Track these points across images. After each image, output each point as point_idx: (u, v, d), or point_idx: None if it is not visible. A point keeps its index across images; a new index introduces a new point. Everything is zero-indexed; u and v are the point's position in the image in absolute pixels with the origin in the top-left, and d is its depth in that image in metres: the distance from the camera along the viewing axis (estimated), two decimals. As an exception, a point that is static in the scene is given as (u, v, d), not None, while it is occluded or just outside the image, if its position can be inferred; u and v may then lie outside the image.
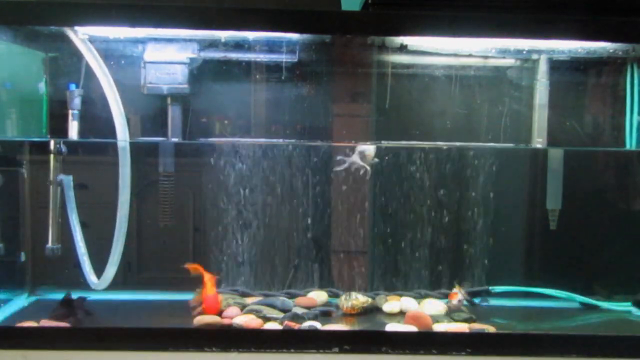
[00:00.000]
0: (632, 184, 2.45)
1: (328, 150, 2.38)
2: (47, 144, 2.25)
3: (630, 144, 2.28)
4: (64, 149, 2.24)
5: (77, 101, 2.16)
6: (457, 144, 2.35)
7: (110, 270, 2.14)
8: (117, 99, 2.04)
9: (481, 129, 2.35)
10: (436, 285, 2.43)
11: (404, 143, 2.37)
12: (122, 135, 2.08)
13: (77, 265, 2.23)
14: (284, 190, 2.40)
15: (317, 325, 2.03)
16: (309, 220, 2.41)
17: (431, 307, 2.23)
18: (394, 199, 2.42)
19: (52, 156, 2.23)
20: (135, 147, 2.21)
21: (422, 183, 2.41)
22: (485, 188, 2.41)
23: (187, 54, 2.13)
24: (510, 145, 2.33)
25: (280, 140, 2.36)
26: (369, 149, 2.21)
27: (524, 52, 2.24)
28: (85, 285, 2.23)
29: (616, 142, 2.34)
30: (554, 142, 2.28)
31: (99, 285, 2.17)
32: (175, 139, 2.22)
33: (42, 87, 2.24)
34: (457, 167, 2.41)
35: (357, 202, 2.41)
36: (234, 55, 2.21)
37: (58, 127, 2.22)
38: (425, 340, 1.90)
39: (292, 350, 1.87)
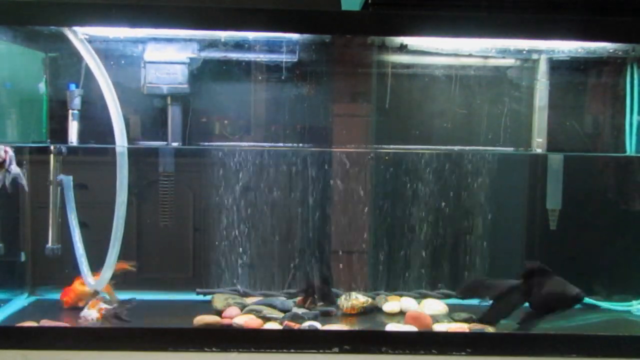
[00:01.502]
0: (632, 184, 2.45)
1: (328, 152, 2.38)
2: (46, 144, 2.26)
3: (630, 148, 2.28)
4: (63, 149, 2.23)
5: (77, 101, 2.16)
6: (456, 148, 2.35)
7: (107, 272, 2.13)
8: (116, 103, 2.03)
9: (481, 129, 2.35)
10: (436, 285, 2.43)
11: (402, 148, 2.37)
12: (121, 140, 2.07)
13: (76, 266, 2.23)
14: (284, 191, 2.40)
15: (317, 325, 2.03)
16: (309, 221, 2.42)
17: (431, 307, 2.23)
18: (394, 200, 2.42)
19: (52, 156, 2.23)
20: (135, 147, 2.21)
21: (420, 183, 2.41)
22: (485, 187, 2.41)
23: (187, 54, 2.13)
24: (510, 149, 2.33)
25: (282, 145, 2.35)
26: None
27: (524, 52, 2.24)
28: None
29: (616, 142, 2.34)
30: (554, 141, 2.28)
31: (95, 286, 2.16)
32: (175, 144, 2.22)
33: (42, 87, 2.24)
34: (456, 167, 2.41)
35: (357, 203, 2.41)
36: (234, 55, 2.21)
37: (58, 127, 2.22)
38: (425, 340, 1.90)
39: (292, 350, 1.87)
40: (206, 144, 2.35)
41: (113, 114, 2.02)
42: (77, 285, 2.20)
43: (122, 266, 2.18)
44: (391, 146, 2.38)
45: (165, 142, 2.25)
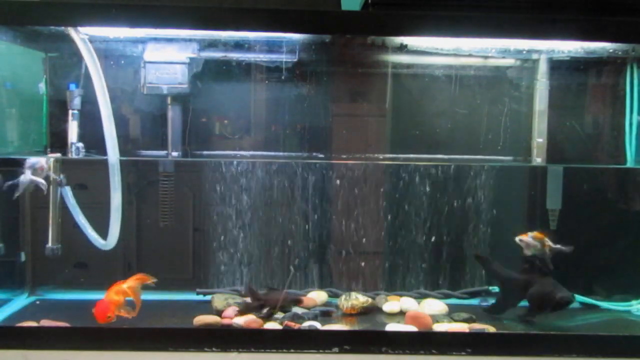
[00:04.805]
0: (632, 185, 2.45)
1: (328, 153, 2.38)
2: (48, 144, 2.26)
3: (630, 149, 2.28)
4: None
5: (77, 101, 2.16)
6: (454, 157, 2.35)
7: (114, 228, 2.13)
8: (109, 113, 2.02)
9: (481, 128, 2.35)
10: (437, 285, 2.43)
11: (399, 158, 2.37)
12: (112, 151, 2.05)
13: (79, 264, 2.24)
14: (283, 191, 2.41)
15: (317, 325, 2.03)
16: (308, 221, 2.42)
17: (431, 307, 2.23)
18: (393, 203, 2.42)
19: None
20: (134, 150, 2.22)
21: (418, 184, 2.41)
22: (486, 187, 2.41)
23: (187, 54, 2.13)
24: (509, 158, 2.33)
25: (284, 154, 2.36)
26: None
27: (524, 52, 2.24)
28: (86, 285, 2.24)
29: (616, 143, 2.34)
30: (554, 141, 2.28)
31: (106, 245, 2.16)
32: (175, 153, 2.22)
33: (42, 87, 2.24)
34: (455, 169, 2.41)
35: (355, 204, 2.42)
36: (234, 55, 2.21)
37: (58, 128, 2.22)
38: (425, 340, 1.90)
39: (292, 350, 1.87)
40: (205, 152, 2.35)
41: (106, 127, 2.01)
42: (112, 296, 1.95)
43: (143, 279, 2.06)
44: (388, 155, 2.38)
45: (165, 145, 2.25)
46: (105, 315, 1.89)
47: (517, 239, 2.16)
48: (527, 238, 2.14)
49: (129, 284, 1.98)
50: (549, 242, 2.13)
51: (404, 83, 2.36)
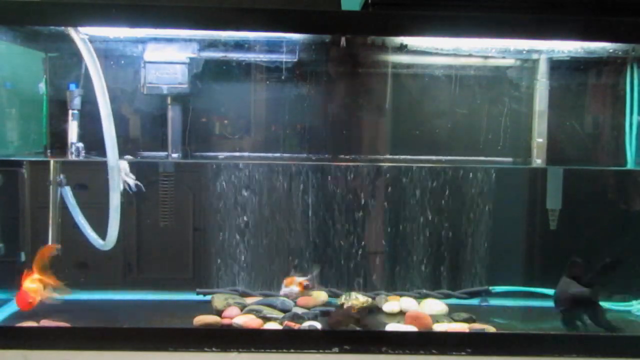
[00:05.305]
0: (632, 185, 2.45)
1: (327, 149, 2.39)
2: (48, 144, 2.26)
3: (630, 150, 2.28)
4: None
5: (77, 101, 2.16)
6: (453, 158, 2.35)
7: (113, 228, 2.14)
8: (109, 116, 2.02)
9: (481, 128, 2.35)
10: (437, 285, 2.43)
11: (398, 160, 2.37)
12: (112, 151, 2.04)
13: (79, 265, 2.24)
14: (283, 190, 2.41)
15: (317, 325, 2.03)
16: (308, 220, 2.42)
17: (431, 307, 2.23)
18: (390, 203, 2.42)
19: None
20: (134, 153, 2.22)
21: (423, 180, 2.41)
22: (486, 187, 2.41)
23: (187, 54, 2.13)
24: (509, 160, 2.33)
25: (285, 155, 2.35)
26: None
27: (524, 52, 2.24)
28: (86, 285, 2.25)
29: (616, 143, 2.34)
30: (554, 141, 2.28)
31: (105, 245, 2.17)
32: (175, 155, 2.22)
33: (42, 87, 2.24)
34: (455, 169, 2.41)
35: (355, 205, 2.42)
36: (234, 55, 2.21)
37: (58, 127, 2.22)
38: (425, 340, 1.91)
39: (292, 350, 1.87)
40: (205, 152, 2.35)
41: (105, 130, 2.01)
42: (28, 284, 2.07)
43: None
44: (388, 156, 2.38)
45: (165, 145, 2.24)
46: (26, 302, 2.04)
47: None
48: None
49: (36, 270, 2.09)
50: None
51: (404, 83, 2.36)
